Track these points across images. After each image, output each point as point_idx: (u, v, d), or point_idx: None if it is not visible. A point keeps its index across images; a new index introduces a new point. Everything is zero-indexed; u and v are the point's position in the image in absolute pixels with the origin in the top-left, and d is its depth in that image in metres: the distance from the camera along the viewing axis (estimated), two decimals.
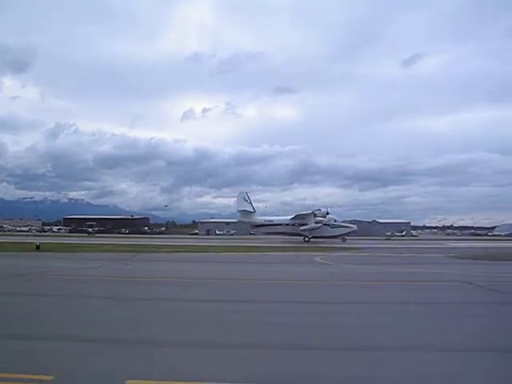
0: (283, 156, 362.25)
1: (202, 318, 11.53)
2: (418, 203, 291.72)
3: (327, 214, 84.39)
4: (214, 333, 9.85)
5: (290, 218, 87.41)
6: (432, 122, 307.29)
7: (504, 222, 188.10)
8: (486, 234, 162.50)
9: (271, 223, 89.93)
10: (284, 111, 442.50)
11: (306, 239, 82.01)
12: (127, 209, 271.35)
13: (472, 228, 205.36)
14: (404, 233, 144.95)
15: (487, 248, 43.40)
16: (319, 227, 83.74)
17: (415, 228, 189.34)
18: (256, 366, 7.44)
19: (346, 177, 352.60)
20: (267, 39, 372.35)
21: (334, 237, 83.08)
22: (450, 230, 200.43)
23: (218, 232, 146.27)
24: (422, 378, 7.09)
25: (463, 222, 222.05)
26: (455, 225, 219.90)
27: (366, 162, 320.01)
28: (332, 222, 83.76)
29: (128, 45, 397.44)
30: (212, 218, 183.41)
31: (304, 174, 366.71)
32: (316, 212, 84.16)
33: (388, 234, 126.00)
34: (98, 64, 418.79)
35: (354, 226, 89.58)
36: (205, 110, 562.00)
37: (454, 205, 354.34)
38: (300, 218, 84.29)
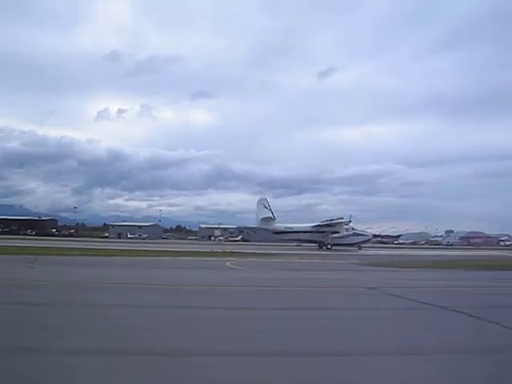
0: (198, 160, 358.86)
1: (94, 323, 10.60)
2: (329, 211, 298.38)
3: (349, 222, 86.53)
4: (101, 339, 9.00)
5: (310, 225, 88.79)
6: (345, 133, 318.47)
7: (408, 231, 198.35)
8: (392, 242, 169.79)
9: (291, 230, 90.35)
10: (201, 116, 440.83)
11: (329, 246, 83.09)
12: (34, 210, 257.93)
13: (379, 236, 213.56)
14: None
15: (393, 256, 45.08)
16: (349, 235, 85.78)
17: None
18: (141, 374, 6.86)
19: (260, 183, 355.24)
20: (187, 43, 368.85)
21: (352, 245, 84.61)
22: None
23: (129, 235, 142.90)
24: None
25: (371, 230, 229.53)
26: None
27: (280, 169, 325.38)
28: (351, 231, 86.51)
29: (40, 37, 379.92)
30: (124, 221, 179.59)
31: (219, 179, 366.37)
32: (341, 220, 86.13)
33: None
34: (5, 56, 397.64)
35: (370, 235, 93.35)
36: (120, 111, 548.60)
37: (363, 214, 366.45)
38: (329, 226, 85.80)
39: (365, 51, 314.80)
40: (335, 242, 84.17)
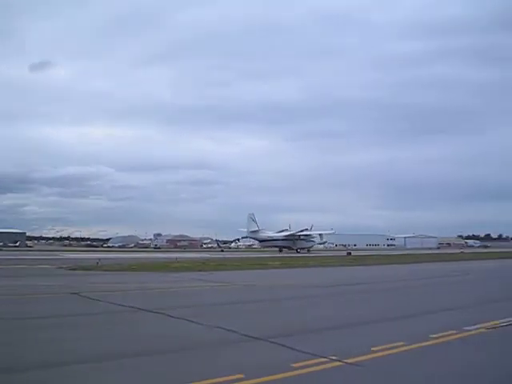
0: None
1: None
2: (36, 213, 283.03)
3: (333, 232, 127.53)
4: None
5: (284, 234, 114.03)
6: (56, 132, 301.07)
7: (118, 235, 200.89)
8: (102, 246, 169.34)
9: (272, 239, 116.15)
10: None
11: (299, 250, 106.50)
12: None
13: (89, 239, 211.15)
14: (18, 243, 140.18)
15: (100, 259, 44.69)
16: (310, 241, 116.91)
17: (31, 238, 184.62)
18: None
19: None
20: None
21: (306, 248, 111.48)
22: (66, 241, 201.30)
23: None
24: None
25: (80, 233, 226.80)
26: (72, 236, 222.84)
27: None
28: None
29: None
30: None
31: None
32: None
33: (0, 244, 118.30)
34: None
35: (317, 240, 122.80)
36: None
37: (73, 216, 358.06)
38: (306, 236, 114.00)
39: (82, 50, 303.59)
40: (299, 246, 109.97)
